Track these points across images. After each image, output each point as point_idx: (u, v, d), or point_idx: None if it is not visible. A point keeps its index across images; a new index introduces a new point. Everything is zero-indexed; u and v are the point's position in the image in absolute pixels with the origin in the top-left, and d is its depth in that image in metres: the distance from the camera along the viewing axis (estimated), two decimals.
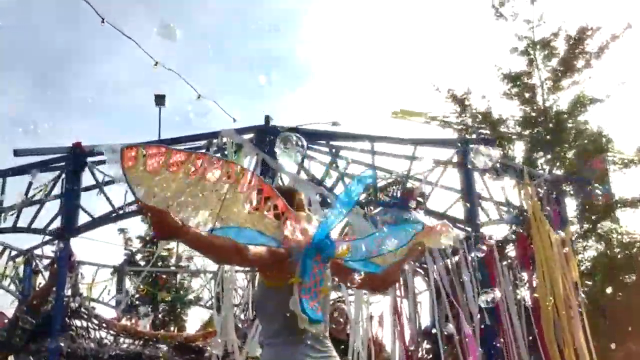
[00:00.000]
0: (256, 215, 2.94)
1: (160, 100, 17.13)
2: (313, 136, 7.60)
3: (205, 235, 2.74)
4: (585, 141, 10.89)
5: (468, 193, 7.61)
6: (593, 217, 10.42)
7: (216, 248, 2.77)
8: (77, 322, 7.30)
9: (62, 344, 6.83)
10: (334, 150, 7.65)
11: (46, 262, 10.10)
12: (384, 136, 7.65)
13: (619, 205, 10.43)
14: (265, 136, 7.30)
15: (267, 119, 7.33)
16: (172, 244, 15.73)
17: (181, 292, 15.13)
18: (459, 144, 7.80)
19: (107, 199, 7.92)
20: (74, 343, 6.94)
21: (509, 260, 8.91)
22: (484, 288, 6.94)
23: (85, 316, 7.38)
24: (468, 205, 7.37)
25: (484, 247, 6.68)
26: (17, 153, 7.86)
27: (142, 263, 14.61)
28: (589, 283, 10.03)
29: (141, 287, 13.41)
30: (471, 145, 7.88)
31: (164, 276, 15.09)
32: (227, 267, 6.67)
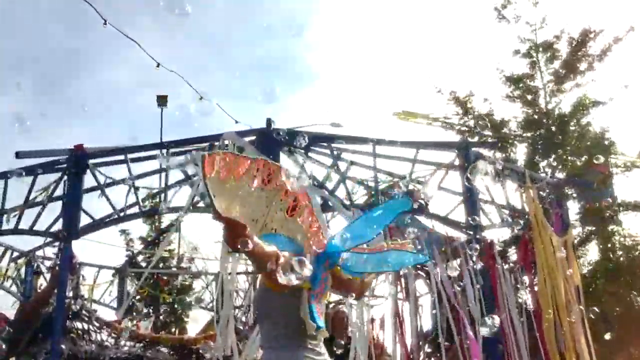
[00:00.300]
0: (290, 221, 3.01)
1: (162, 100, 17.12)
2: (315, 138, 7.60)
3: (262, 245, 2.78)
4: (588, 143, 10.87)
5: (469, 196, 7.61)
6: (596, 219, 10.41)
7: (266, 257, 2.81)
8: (78, 325, 7.31)
9: (63, 346, 6.84)
10: (335, 152, 7.66)
11: (48, 263, 10.11)
12: (385, 139, 7.64)
13: (621, 208, 10.42)
14: (267, 139, 7.30)
15: (269, 121, 7.33)
16: (173, 245, 15.75)
17: (182, 294, 15.13)
18: (461, 147, 7.79)
19: (109, 201, 7.93)
20: (75, 345, 6.95)
21: (511, 264, 8.90)
22: (485, 292, 6.95)
23: (87, 318, 7.39)
24: (471, 218, 7.34)
25: (477, 246, 6.70)
26: (19, 155, 7.87)
27: (144, 264, 14.58)
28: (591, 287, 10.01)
29: (142, 288, 13.41)
30: (473, 149, 7.90)
31: (165, 277, 15.09)
32: (229, 269, 6.66)
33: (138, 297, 14.47)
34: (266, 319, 3.11)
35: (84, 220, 7.90)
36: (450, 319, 6.74)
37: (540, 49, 11.20)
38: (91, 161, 7.93)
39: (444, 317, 6.89)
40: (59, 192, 8.06)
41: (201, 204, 7.48)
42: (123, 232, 15.76)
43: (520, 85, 11.24)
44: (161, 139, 13.65)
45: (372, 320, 8.79)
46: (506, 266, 8.37)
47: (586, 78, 11.09)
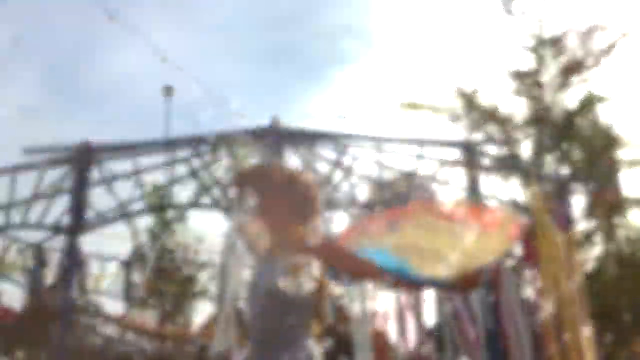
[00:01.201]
0: None
1: (168, 91, 17.13)
2: (320, 136, 7.62)
3: None
4: (594, 138, 10.83)
5: (473, 193, 7.63)
6: (601, 213, 10.39)
7: None
8: (85, 319, 7.37)
9: (70, 340, 6.90)
10: (340, 148, 7.68)
11: (55, 255, 10.19)
12: (390, 137, 7.66)
13: (627, 205, 10.40)
14: (272, 136, 7.32)
15: (274, 119, 7.35)
16: (180, 237, 15.77)
17: (187, 285, 15.18)
18: (465, 145, 7.80)
19: (114, 195, 8.00)
20: (81, 339, 7.01)
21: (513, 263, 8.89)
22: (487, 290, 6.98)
23: (93, 312, 7.46)
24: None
25: None
26: (26, 151, 7.93)
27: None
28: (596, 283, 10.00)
29: (148, 280, 13.45)
30: (477, 146, 7.90)
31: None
32: (231, 261, 6.71)
33: (144, 288, 14.51)
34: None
35: (91, 214, 7.97)
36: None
37: (547, 44, 11.12)
38: (97, 156, 7.99)
39: (447, 313, 6.93)
40: (65, 186, 8.13)
41: (205, 200, 7.55)
42: (129, 222, 15.77)
43: (526, 80, 11.16)
44: (167, 131, 13.72)
45: (376, 314, 8.84)
46: (509, 262, 8.37)
47: (593, 73, 11.02)
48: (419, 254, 2.89)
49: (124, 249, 14.78)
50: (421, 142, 7.66)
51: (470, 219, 2.93)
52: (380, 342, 7.31)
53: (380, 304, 8.34)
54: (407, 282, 2.82)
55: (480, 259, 2.74)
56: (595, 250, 10.63)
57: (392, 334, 7.68)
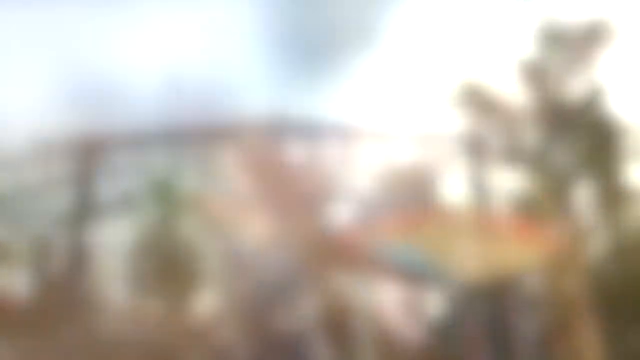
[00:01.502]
0: None
1: (173, 83, 17.11)
2: (325, 129, 7.62)
3: None
4: (600, 129, 10.81)
5: (476, 187, 7.63)
6: (607, 205, 10.39)
7: None
8: (89, 312, 7.41)
9: (75, 333, 6.94)
10: (345, 142, 7.67)
11: (59, 248, 10.22)
12: (395, 132, 7.67)
13: (633, 196, 10.38)
14: (277, 128, 7.32)
15: (279, 111, 7.35)
16: (185, 229, 15.81)
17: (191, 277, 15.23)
18: (467, 138, 7.79)
19: (120, 187, 8.02)
20: (87, 332, 7.06)
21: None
22: None
23: (98, 305, 7.49)
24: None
25: None
26: (32, 142, 7.95)
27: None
28: (600, 275, 9.99)
29: (153, 272, 13.52)
30: (480, 137, 7.89)
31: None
32: (234, 253, 6.72)
33: (150, 279, 14.56)
34: None
35: (96, 206, 7.99)
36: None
37: (553, 34, 11.09)
38: (103, 148, 8.01)
39: (452, 312, 6.95)
40: (71, 178, 8.15)
41: (211, 192, 7.55)
42: (134, 214, 15.82)
43: (531, 70, 11.14)
44: (172, 122, 13.69)
45: (380, 310, 8.86)
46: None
47: (599, 64, 10.98)
48: (443, 256, 2.94)
49: (130, 240, 14.88)
50: (425, 137, 7.65)
51: (502, 229, 2.96)
52: (384, 339, 7.32)
53: (386, 300, 8.37)
54: (417, 279, 2.86)
55: (512, 268, 2.78)
56: (601, 243, 10.62)
57: (397, 330, 7.70)
